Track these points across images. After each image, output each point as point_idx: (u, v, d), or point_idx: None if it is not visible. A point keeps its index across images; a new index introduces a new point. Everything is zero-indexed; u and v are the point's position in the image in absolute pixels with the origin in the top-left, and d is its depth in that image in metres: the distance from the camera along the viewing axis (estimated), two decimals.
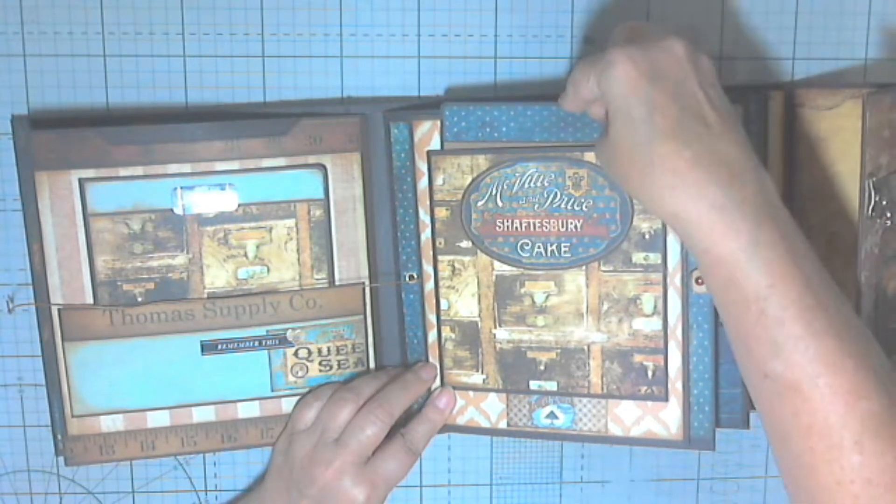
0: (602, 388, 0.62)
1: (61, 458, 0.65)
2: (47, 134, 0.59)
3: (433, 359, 0.65)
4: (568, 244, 0.60)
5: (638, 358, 0.61)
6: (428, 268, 0.63)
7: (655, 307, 0.60)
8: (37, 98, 0.63)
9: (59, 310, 0.61)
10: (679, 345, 0.60)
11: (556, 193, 0.60)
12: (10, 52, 0.62)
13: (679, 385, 0.60)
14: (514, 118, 0.60)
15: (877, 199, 0.56)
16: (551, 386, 0.63)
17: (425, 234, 0.63)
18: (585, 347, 0.62)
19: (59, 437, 0.62)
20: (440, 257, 0.63)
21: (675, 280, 0.59)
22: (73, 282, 0.61)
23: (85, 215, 0.60)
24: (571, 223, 0.60)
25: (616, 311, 0.61)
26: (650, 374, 0.61)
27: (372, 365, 0.65)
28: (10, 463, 0.68)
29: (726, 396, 0.61)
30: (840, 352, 0.44)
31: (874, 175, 0.56)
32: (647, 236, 0.59)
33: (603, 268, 0.60)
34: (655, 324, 0.60)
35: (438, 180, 0.61)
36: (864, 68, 0.65)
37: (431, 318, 0.64)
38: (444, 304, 0.63)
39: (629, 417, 0.62)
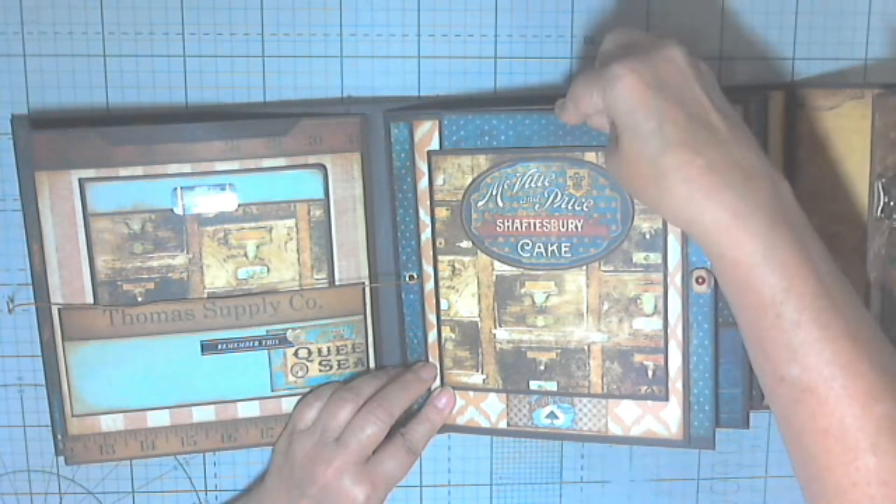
0: (602, 388, 0.62)
1: (61, 458, 0.65)
2: (47, 134, 0.59)
3: (433, 359, 0.65)
4: (568, 244, 0.60)
5: (638, 357, 0.61)
6: (428, 268, 0.63)
7: (656, 307, 0.60)
8: (37, 98, 0.63)
9: (59, 309, 0.61)
10: (679, 344, 0.60)
11: (556, 193, 0.60)
12: (10, 52, 0.62)
13: (679, 384, 0.60)
14: (512, 126, 0.60)
15: (885, 199, 0.56)
16: (551, 386, 0.63)
17: (425, 235, 0.63)
18: (586, 347, 0.62)
19: (59, 436, 0.62)
20: (440, 257, 0.63)
21: (676, 280, 0.59)
22: (73, 282, 0.61)
23: (85, 215, 0.60)
24: (572, 223, 0.60)
25: (616, 311, 0.61)
26: (650, 373, 0.61)
27: (372, 365, 0.65)
28: (10, 463, 0.68)
29: (726, 396, 0.61)
30: (855, 354, 0.44)
31: (882, 176, 0.56)
32: (647, 236, 0.59)
33: (603, 268, 0.60)
34: (656, 323, 0.60)
35: (439, 180, 0.61)
36: (864, 68, 0.64)
37: (431, 318, 0.64)
38: (444, 305, 0.63)
39: (629, 417, 0.62)
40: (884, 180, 0.55)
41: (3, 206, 0.64)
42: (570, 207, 0.60)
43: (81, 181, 0.60)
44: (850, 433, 0.44)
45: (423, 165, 0.62)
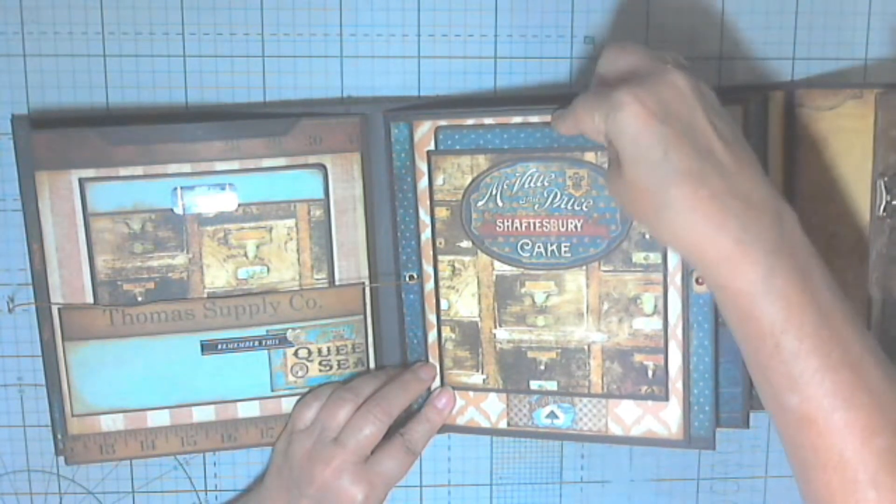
0: (602, 388, 0.62)
1: (61, 458, 0.65)
2: (47, 134, 0.59)
3: (433, 359, 0.65)
4: (568, 244, 0.60)
5: (638, 357, 0.61)
6: (428, 268, 0.63)
7: (656, 307, 0.60)
8: (37, 98, 0.63)
9: (59, 309, 0.61)
10: (679, 344, 0.60)
11: (556, 193, 0.60)
12: (10, 52, 0.62)
13: (679, 385, 0.60)
14: (507, 140, 0.60)
15: (887, 198, 0.56)
16: (551, 386, 0.63)
17: (425, 234, 0.63)
18: (586, 347, 0.62)
19: (59, 436, 0.62)
20: (440, 257, 0.63)
21: (676, 279, 0.59)
22: (73, 281, 0.61)
23: (85, 215, 0.60)
24: (571, 223, 0.60)
25: (616, 311, 0.61)
26: (650, 373, 0.61)
27: (372, 365, 0.65)
28: (10, 463, 0.68)
29: (726, 396, 0.61)
30: (856, 385, 0.44)
31: (884, 175, 0.55)
32: (647, 236, 0.59)
33: (603, 267, 0.60)
34: (656, 323, 0.60)
35: (438, 180, 0.61)
36: (864, 68, 0.64)
37: (431, 318, 0.64)
38: (444, 304, 0.63)
39: (629, 417, 0.62)
40: (886, 179, 0.55)
41: (3, 206, 0.64)
42: (569, 207, 0.60)
43: (81, 181, 0.60)
44: (850, 466, 0.44)
45: (422, 165, 0.62)
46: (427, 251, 0.63)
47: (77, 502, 0.68)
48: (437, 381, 0.65)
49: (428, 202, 0.62)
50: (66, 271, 0.61)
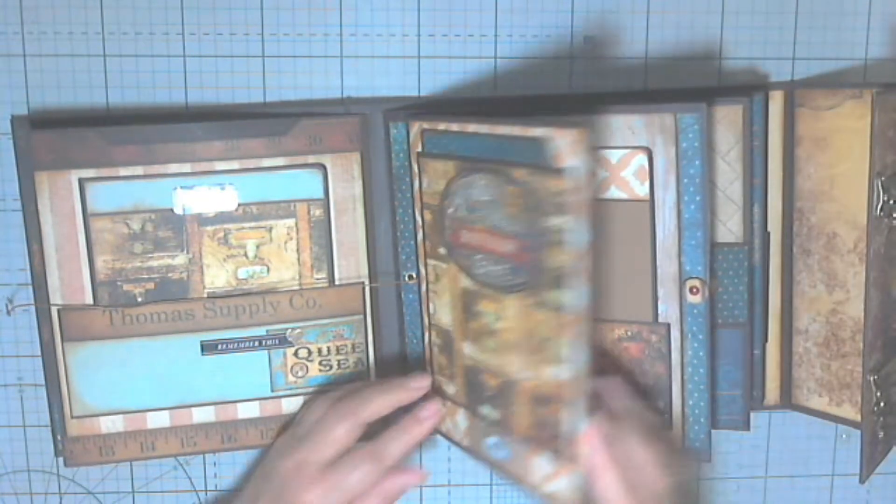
0: (527, 431, 0.55)
1: (61, 459, 0.65)
2: (47, 134, 0.59)
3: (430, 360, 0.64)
4: (508, 266, 0.54)
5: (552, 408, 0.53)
6: (423, 269, 0.63)
7: (567, 352, 0.51)
8: (37, 98, 0.63)
9: (58, 310, 0.61)
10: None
11: (500, 208, 0.54)
12: (10, 52, 0.62)
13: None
14: (470, 148, 0.56)
15: (885, 198, 0.56)
16: (495, 415, 0.58)
17: (420, 235, 0.62)
18: (516, 382, 0.56)
19: (59, 437, 0.62)
20: (428, 260, 0.61)
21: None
22: (72, 282, 0.61)
23: (85, 215, 0.60)
24: (508, 245, 0.54)
25: (539, 350, 0.53)
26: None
27: (372, 364, 0.65)
28: (10, 463, 0.68)
29: (727, 398, 0.61)
30: None
31: (882, 174, 0.56)
32: (559, 276, 0.51)
33: (526, 299, 0.54)
34: (566, 371, 0.51)
35: (424, 183, 0.60)
36: (864, 68, 0.64)
37: (426, 319, 0.64)
38: (431, 308, 0.62)
39: (538, 473, 0.55)
40: (883, 178, 0.55)
41: (3, 206, 0.64)
42: (507, 227, 0.54)
43: (81, 181, 0.60)
44: None
45: (416, 166, 0.61)
46: (422, 252, 0.63)
47: (77, 502, 0.68)
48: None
49: (420, 203, 0.62)
50: (66, 272, 0.61)
